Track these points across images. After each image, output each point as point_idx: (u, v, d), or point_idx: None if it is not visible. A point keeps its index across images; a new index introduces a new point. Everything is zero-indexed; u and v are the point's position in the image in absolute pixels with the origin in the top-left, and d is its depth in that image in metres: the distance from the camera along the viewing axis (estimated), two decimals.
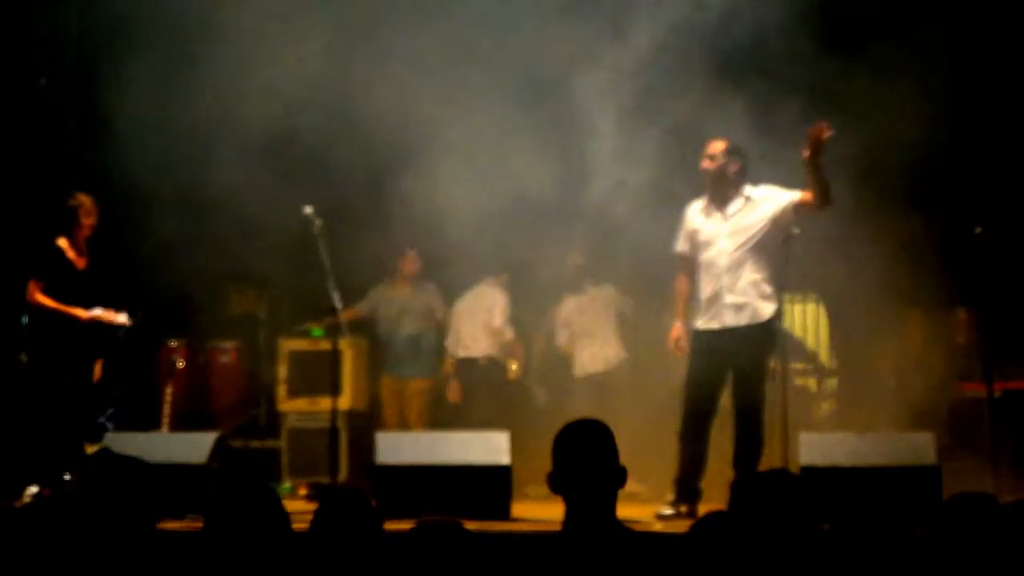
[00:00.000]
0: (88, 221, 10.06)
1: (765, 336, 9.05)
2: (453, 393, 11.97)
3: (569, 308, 11.86)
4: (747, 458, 8.88)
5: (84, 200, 10.11)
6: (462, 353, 12.01)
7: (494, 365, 11.93)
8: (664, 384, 10.45)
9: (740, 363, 9.05)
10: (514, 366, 11.95)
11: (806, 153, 8.66)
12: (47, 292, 9.89)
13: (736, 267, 9.06)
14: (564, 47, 10.61)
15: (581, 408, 10.77)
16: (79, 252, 10.06)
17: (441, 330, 12.29)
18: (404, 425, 11.82)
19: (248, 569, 4.21)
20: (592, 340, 11.70)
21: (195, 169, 11.18)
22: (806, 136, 8.65)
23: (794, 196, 9.02)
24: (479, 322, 11.94)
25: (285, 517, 4.38)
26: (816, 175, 8.77)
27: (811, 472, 8.45)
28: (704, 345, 9.13)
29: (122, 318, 10.07)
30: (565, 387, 11.76)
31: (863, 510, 8.01)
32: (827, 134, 8.60)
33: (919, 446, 8.70)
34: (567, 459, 4.45)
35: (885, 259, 11.10)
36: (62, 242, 9.99)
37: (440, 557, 4.01)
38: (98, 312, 9.95)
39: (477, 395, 11.79)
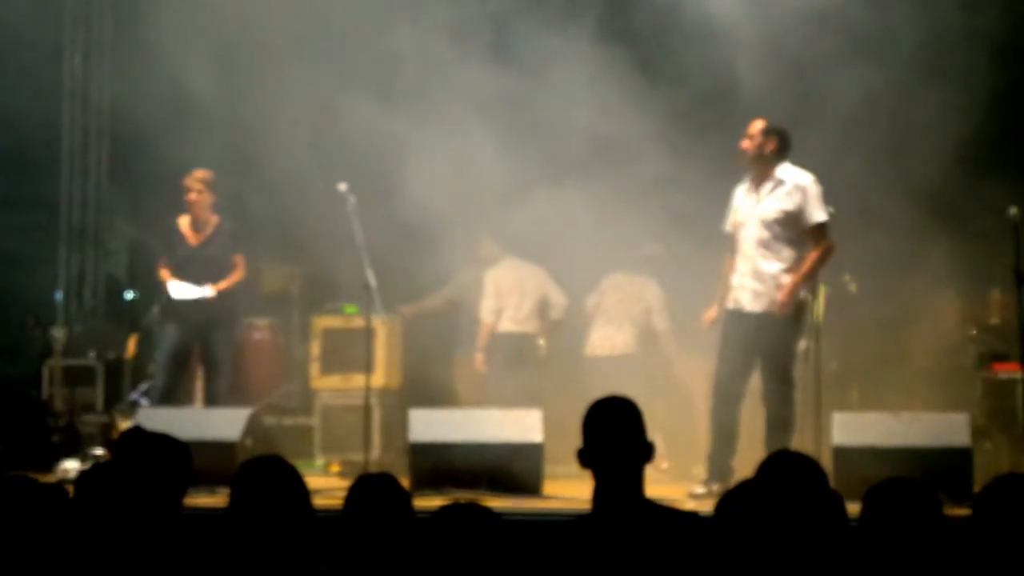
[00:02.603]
0: (190, 198, 10.32)
1: (788, 320, 9.02)
2: (480, 363, 11.87)
3: (611, 281, 11.76)
4: (777, 438, 8.87)
5: (186, 179, 10.33)
6: (512, 328, 11.92)
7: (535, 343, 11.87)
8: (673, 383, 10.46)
9: (764, 347, 9.05)
10: (541, 341, 11.88)
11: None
12: (167, 268, 10.33)
13: (760, 250, 9.04)
14: None
15: (580, 388, 10.81)
16: (195, 228, 10.34)
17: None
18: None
19: (268, 546, 4.24)
20: (608, 322, 11.62)
21: (229, 144, 11.23)
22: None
23: (809, 224, 9.00)
24: (531, 299, 11.89)
25: (306, 494, 4.41)
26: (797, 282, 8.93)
27: (843, 452, 8.45)
28: (730, 325, 9.15)
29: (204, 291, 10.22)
30: (575, 365, 11.70)
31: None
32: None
33: (952, 427, 8.69)
34: (596, 434, 4.53)
35: (919, 240, 11.09)
36: (181, 220, 10.23)
37: (466, 539, 4.02)
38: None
39: (518, 371, 11.63)
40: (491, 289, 11.84)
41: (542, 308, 11.86)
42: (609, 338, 11.55)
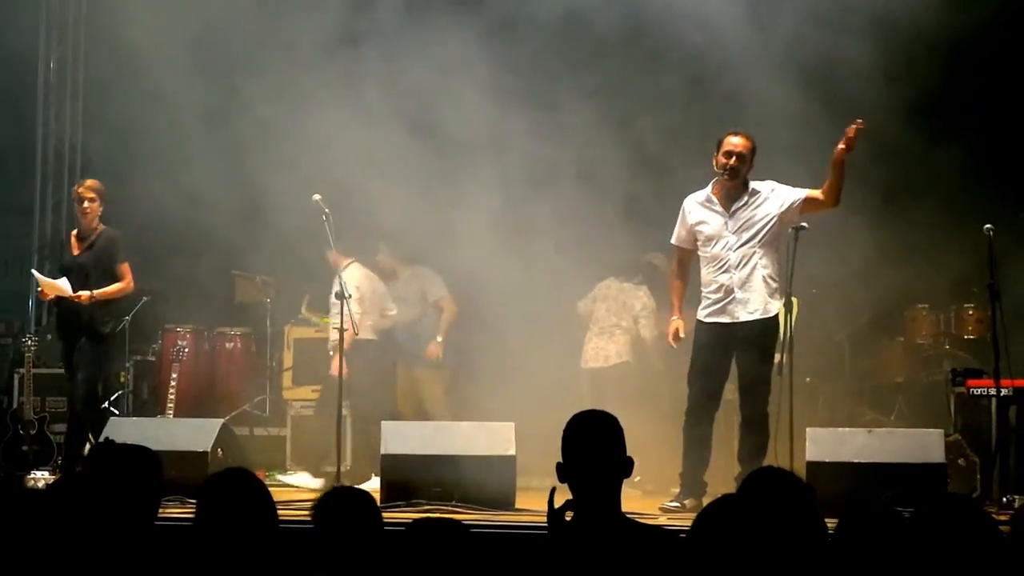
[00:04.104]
0: (83, 208, 10.19)
1: (772, 331, 9.03)
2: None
3: (602, 288, 11.71)
4: (752, 452, 8.85)
5: (78, 188, 10.26)
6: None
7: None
8: (667, 390, 10.42)
9: (747, 357, 9.03)
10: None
11: (841, 147, 8.65)
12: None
13: (745, 262, 9.02)
14: None
15: (579, 400, 10.79)
16: (80, 238, 10.23)
17: (438, 313, 11.96)
18: (424, 416, 11.63)
19: (235, 558, 4.21)
20: (600, 332, 11.60)
21: (202, 157, 11.20)
22: (845, 132, 8.64)
23: (802, 194, 8.98)
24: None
25: (272, 507, 4.39)
26: (839, 173, 8.76)
27: (817, 468, 8.43)
28: (710, 338, 9.09)
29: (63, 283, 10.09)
30: (572, 376, 11.66)
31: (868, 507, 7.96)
32: (862, 129, 8.61)
33: (926, 443, 8.67)
34: (574, 449, 4.50)
35: (893, 255, 11.11)
36: (74, 232, 10.17)
37: (437, 555, 4.00)
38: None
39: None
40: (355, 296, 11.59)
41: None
42: (602, 349, 11.53)
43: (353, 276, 10.97)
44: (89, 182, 10.41)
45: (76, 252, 10.17)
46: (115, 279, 10.14)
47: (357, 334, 10.27)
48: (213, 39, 11.33)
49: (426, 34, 11.02)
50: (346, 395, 10.18)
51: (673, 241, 9.37)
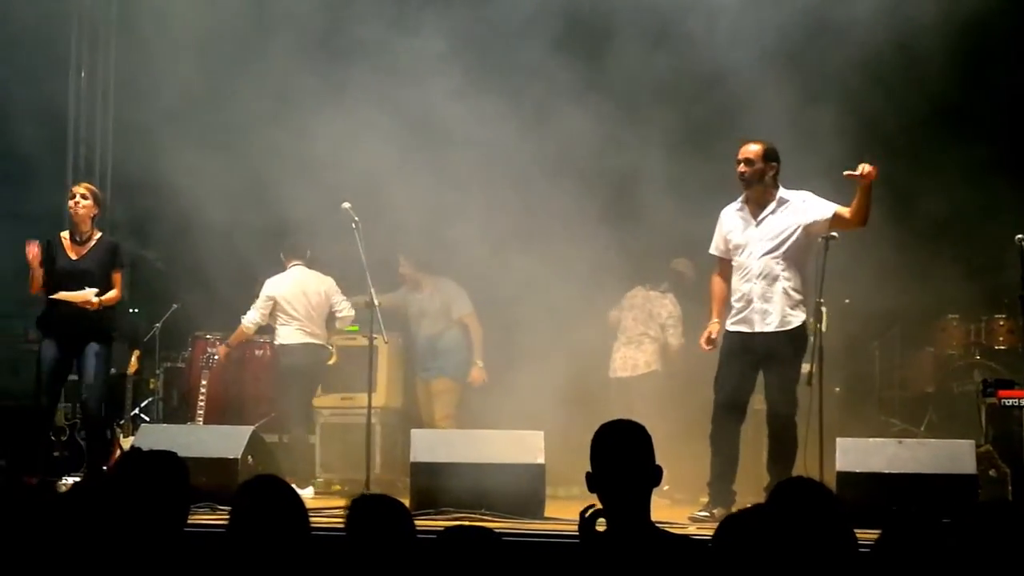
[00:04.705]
0: (77, 207, 10.15)
1: (795, 342, 8.98)
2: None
3: (630, 298, 11.71)
4: (780, 462, 8.83)
5: (74, 188, 10.27)
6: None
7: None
8: (695, 398, 10.39)
9: (770, 368, 9.01)
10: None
11: (862, 179, 8.64)
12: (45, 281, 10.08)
13: (767, 272, 8.99)
14: None
15: (610, 410, 10.77)
16: (76, 241, 10.17)
17: (462, 328, 11.94)
18: (430, 425, 11.65)
19: (268, 566, 4.22)
20: (628, 341, 11.60)
21: (232, 165, 11.25)
22: (861, 170, 8.62)
23: (831, 209, 8.93)
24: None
25: (304, 514, 4.40)
26: (865, 195, 8.73)
27: (847, 478, 8.39)
28: (734, 347, 9.08)
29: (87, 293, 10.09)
30: (601, 385, 11.66)
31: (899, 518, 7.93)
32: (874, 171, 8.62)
33: (957, 454, 8.62)
34: (603, 458, 4.50)
35: (923, 265, 11.08)
36: (63, 233, 10.18)
37: (469, 563, 4.00)
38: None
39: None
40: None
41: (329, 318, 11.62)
42: (630, 358, 11.54)
43: (283, 281, 11.19)
44: (87, 184, 10.46)
45: (74, 256, 10.14)
46: (110, 286, 10.16)
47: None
48: (245, 47, 11.37)
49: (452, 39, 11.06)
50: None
51: (711, 250, 9.36)
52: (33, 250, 9.94)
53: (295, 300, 11.13)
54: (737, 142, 9.19)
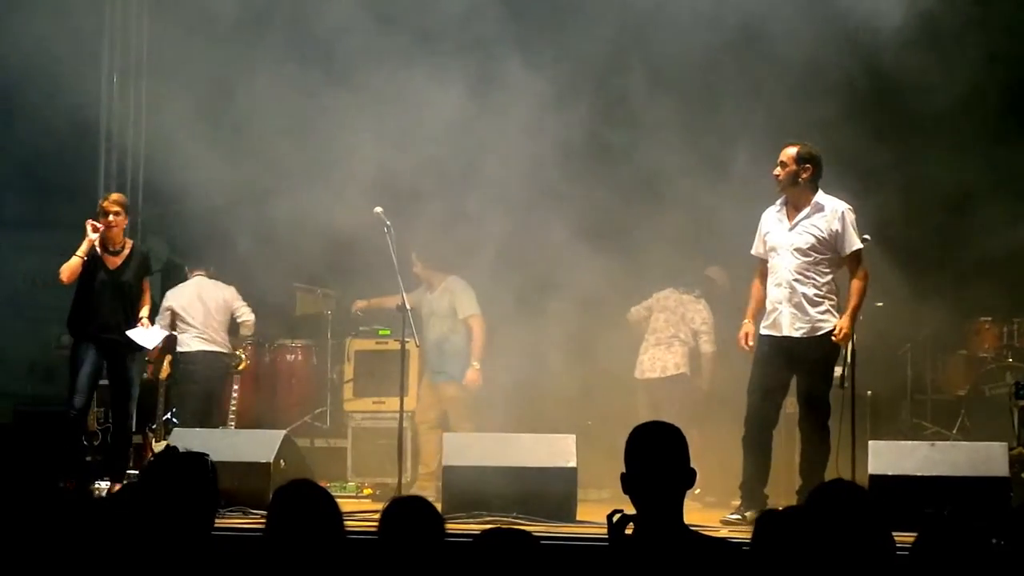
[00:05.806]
0: (108, 221, 10.17)
1: (826, 347, 8.95)
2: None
3: (660, 299, 11.68)
4: (812, 465, 8.82)
5: (103, 202, 10.32)
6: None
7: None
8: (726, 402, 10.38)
9: (802, 372, 9.00)
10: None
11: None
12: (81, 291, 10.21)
13: (798, 276, 8.97)
14: None
15: (636, 411, 10.77)
16: (109, 252, 10.24)
17: (469, 330, 11.72)
18: (447, 429, 11.52)
19: (304, 569, 4.24)
20: (657, 343, 11.56)
21: (265, 172, 11.30)
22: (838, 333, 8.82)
23: (847, 253, 8.95)
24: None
25: (339, 518, 4.42)
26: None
27: (880, 481, 8.38)
28: (766, 350, 9.07)
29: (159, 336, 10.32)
30: (629, 387, 11.63)
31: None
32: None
33: (990, 456, 8.60)
34: (638, 460, 4.49)
35: (956, 268, 11.04)
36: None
37: (507, 565, 4.01)
38: None
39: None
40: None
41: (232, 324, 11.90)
42: (659, 359, 11.49)
43: (181, 292, 11.73)
44: (115, 196, 10.50)
45: (111, 267, 10.19)
46: (142, 292, 10.36)
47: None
48: (273, 53, 11.42)
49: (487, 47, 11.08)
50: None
51: (752, 251, 9.35)
52: (95, 234, 10.09)
53: (192, 308, 11.70)
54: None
